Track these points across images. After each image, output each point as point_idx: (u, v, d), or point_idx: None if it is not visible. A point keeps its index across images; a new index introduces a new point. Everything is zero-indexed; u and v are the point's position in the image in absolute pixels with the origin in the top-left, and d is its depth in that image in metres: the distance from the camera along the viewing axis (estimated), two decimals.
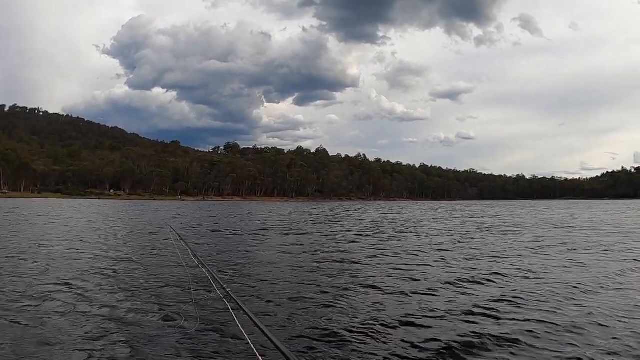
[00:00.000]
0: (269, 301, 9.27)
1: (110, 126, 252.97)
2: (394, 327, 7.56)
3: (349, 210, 70.68)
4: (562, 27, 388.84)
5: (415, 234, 26.43)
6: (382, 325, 7.65)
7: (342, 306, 8.93)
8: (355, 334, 7.16)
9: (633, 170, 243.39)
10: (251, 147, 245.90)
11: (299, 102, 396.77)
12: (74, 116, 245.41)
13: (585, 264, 14.31)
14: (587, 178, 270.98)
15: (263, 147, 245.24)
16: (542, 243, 20.86)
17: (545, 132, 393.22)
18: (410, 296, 9.85)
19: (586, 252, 17.41)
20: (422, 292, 10.29)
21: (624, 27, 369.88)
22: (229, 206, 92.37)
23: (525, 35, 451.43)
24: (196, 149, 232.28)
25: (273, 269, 13.33)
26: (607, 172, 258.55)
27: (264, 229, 29.73)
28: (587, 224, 35.01)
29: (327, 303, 9.13)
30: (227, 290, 4.36)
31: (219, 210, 64.88)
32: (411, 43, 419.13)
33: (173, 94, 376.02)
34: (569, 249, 18.37)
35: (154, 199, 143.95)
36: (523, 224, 34.89)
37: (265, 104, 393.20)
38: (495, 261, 15.08)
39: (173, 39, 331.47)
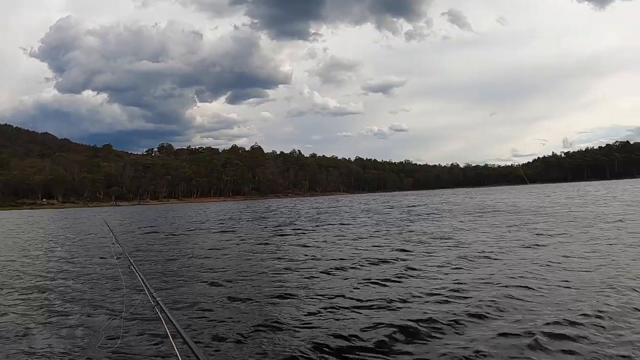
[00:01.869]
0: (200, 308, 9.20)
1: (39, 132, 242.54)
2: (326, 322, 7.84)
3: (285, 207, 72.68)
4: (491, 21, 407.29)
5: (355, 225, 28.29)
6: (316, 323, 7.86)
7: (277, 308, 9.03)
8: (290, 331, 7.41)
9: (563, 155, 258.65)
10: (185, 147, 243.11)
11: (232, 100, 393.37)
12: (1, 123, 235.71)
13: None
14: (519, 164, 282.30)
15: (197, 147, 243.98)
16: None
17: (477, 122, 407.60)
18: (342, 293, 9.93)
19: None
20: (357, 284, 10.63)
21: (550, 21, 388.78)
22: (164, 209, 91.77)
23: (454, 29, 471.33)
24: (129, 152, 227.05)
25: (205, 271, 13.50)
26: (539, 157, 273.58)
27: (197, 229, 30.84)
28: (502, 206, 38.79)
29: (259, 306, 9.24)
30: (157, 299, 4.16)
31: (154, 214, 65.03)
32: (343, 39, 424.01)
33: (104, 96, 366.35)
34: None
35: (88, 206, 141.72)
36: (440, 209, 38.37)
37: (198, 104, 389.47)
38: (406, 247, 16.61)
39: (102, 39, 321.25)
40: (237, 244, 21.04)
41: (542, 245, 15.11)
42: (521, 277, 10.40)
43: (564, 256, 12.90)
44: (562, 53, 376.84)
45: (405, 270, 12.02)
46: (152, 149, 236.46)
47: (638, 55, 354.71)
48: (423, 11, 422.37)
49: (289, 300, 9.64)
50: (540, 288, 9.32)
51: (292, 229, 27.78)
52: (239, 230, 29.22)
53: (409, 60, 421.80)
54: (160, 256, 17.43)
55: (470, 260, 12.96)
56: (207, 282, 11.86)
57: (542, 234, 18.22)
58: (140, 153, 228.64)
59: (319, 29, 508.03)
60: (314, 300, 9.51)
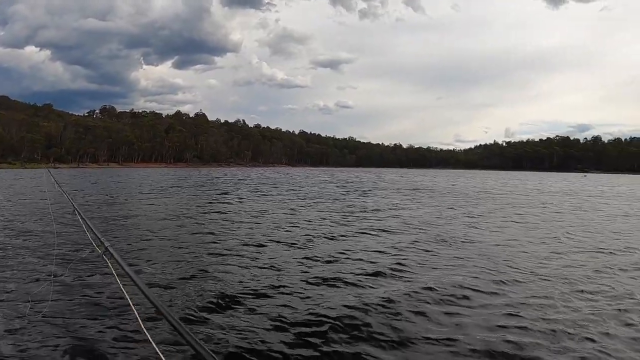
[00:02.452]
0: (149, 260, 10.04)
1: None
2: (264, 293, 8.11)
3: (226, 175, 74.76)
4: (445, 7, 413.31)
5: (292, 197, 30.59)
6: (255, 286, 8.44)
7: (217, 269, 9.68)
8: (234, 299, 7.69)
9: (504, 144, 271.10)
10: (128, 111, 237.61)
11: (179, 65, 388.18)
12: None
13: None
14: (461, 149, 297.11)
15: (141, 111, 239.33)
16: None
17: (423, 104, 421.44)
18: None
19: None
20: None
21: (504, 13, 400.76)
22: (104, 173, 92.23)
23: (408, 11, 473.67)
24: (71, 112, 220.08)
25: (150, 234, 14.06)
26: (481, 144, 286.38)
27: (137, 195, 31.46)
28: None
29: (205, 265, 10.00)
30: (106, 245, 3.77)
31: (94, 178, 64.59)
32: (296, 11, 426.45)
33: (47, 53, 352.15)
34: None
35: (26, 167, 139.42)
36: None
37: (144, 67, 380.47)
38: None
39: None
40: (178, 210, 21.80)
41: (469, 223, 17.93)
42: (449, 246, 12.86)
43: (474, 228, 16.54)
44: (513, 45, 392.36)
45: (334, 240, 13.51)
46: (94, 110, 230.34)
47: (585, 55, 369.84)
48: None
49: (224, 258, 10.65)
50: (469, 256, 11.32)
51: (234, 198, 29.37)
52: (180, 195, 30.56)
53: (360, 38, 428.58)
54: (106, 219, 17.65)
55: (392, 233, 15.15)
56: (148, 239, 12.78)
57: (473, 216, 20.86)
58: (82, 114, 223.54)
59: None
60: (246, 260, 10.55)
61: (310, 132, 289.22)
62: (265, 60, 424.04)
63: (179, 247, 12.27)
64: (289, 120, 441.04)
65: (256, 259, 10.91)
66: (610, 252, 12.58)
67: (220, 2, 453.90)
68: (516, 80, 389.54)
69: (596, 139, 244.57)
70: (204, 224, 17.19)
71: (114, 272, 3.52)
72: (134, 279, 2.93)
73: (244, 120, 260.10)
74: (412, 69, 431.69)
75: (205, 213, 20.94)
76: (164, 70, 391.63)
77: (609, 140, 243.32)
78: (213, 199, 28.72)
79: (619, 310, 7.57)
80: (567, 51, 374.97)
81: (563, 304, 7.81)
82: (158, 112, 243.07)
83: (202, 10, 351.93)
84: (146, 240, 13.18)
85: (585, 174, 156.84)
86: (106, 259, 3.70)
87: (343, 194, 34.10)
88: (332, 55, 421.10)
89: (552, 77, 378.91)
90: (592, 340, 6.26)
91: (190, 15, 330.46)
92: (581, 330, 6.63)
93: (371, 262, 10.58)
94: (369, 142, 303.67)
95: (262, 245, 12.60)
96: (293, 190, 38.41)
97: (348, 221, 18.28)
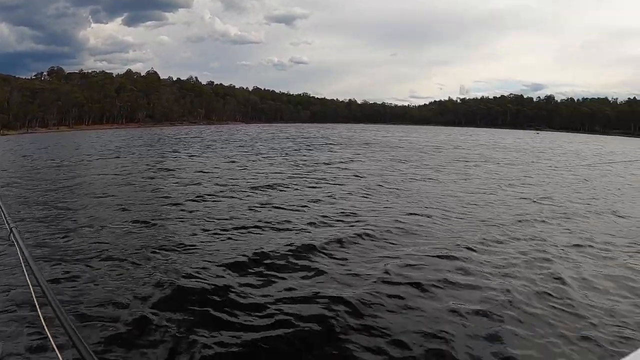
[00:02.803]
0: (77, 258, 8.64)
1: None
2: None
3: (179, 134, 75.28)
4: None
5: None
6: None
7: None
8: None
9: (458, 100, 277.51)
10: (77, 72, 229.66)
11: (129, 22, 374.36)
12: None
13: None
14: (415, 105, 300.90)
15: (90, 71, 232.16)
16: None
17: (378, 60, 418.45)
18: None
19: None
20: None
21: None
22: (53, 137, 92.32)
23: None
24: (17, 76, 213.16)
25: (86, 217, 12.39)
26: (435, 101, 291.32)
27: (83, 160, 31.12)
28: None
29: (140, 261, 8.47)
30: (12, 227, 3.26)
31: (41, 144, 61.83)
32: None
33: None
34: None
35: None
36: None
37: (92, 25, 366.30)
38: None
39: None
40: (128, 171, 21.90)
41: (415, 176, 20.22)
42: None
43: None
44: (469, 4, 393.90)
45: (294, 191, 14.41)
46: (42, 72, 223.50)
47: (540, 16, 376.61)
48: None
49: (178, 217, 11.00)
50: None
51: (184, 155, 30.43)
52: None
53: None
54: (41, 188, 17.49)
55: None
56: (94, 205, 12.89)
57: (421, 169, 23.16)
58: (29, 77, 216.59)
59: None
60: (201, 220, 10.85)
61: (265, 89, 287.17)
62: (218, 16, 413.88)
63: (125, 209, 12.91)
64: (243, 76, 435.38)
65: (202, 210, 12.08)
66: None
67: None
68: (471, 38, 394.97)
69: (549, 98, 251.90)
70: (151, 183, 17.80)
71: (20, 259, 2.97)
72: (33, 270, 2.66)
73: (196, 78, 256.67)
74: (367, 24, 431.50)
75: (153, 172, 21.45)
76: (113, 28, 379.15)
77: (561, 100, 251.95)
78: (162, 158, 29.59)
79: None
80: (522, 12, 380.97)
81: (478, 241, 9.47)
82: (108, 71, 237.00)
83: None
84: (91, 205, 13.52)
85: (538, 132, 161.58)
86: (14, 241, 3.23)
87: (295, 150, 35.20)
88: (287, 11, 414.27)
89: (507, 37, 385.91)
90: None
91: None
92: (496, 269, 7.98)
93: (316, 209, 11.99)
94: (324, 98, 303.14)
95: (209, 197, 13.76)
96: (243, 146, 39.52)
97: (296, 174, 19.69)
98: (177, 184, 17.09)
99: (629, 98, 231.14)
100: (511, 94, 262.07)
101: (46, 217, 11.34)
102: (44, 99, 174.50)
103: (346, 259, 8.12)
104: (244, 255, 8.13)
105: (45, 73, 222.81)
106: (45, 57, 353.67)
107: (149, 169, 23.23)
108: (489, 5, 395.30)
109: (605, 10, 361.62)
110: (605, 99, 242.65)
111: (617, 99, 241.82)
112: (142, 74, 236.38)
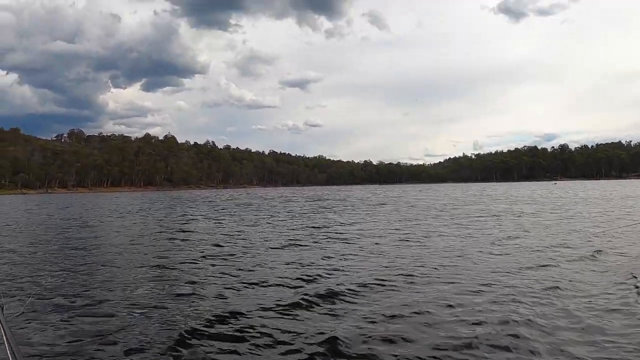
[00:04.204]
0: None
1: None
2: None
3: (197, 198, 75.04)
4: (409, 25, 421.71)
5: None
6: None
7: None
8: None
9: (473, 156, 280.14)
10: (97, 134, 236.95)
11: (147, 88, 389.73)
12: None
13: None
14: (431, 164, 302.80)
15: (109, 134, 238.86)
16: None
17: (391, 121, 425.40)
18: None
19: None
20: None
21: (467, 29, 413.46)
22: (72, 199, 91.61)
23: (374, 30, 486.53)
24: (38, 137, 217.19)
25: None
26: (450, 158, 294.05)
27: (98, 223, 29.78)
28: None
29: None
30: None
31: (61, 204, 62.47)
32: (263, 32, 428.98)
33: (14, 76, 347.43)
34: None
35: None
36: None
37: (112, 90, 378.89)
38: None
39: (17, 15, 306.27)
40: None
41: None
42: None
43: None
44: (477, 60, 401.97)
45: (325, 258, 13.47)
46: (62, 134, 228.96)
47: (548, 67, 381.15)
48: (344, 10, 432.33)
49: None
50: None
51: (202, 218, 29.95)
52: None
53: (327, 57, 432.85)
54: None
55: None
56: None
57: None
58: (50, 138, 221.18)
59: (239, 20, 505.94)
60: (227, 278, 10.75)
61: (280, 152, 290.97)
62: (233, 82, 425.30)
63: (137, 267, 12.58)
64: (259, 140, 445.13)
65: (225, 266, 11.99)
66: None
67: (187, 24, 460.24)
68: (482, 93, 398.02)
69: (563, 147, 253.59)
70: (167, 245, 17.46)
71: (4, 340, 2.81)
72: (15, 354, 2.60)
73: (213, 142, 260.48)
74: (379, 85, 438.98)
75: (170, 235, 20.92)
76: (132, 93, 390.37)
77: (575, 148, 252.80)
78: (180, 221, 29.13)
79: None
80: (530, 63, 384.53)
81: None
82: (127, 135, 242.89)
83: (170, 32, 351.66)
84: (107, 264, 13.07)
85: (555, 182, 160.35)
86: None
87: (309, 212, 35.17)
88: (300, 75, 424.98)
89: (516, 89, 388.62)
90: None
91: (158, 37, 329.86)
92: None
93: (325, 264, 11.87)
94: (339, 160, 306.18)
95: (230, 255, 13.75)
96: (259, 210, 39.49)
97: (308, 235, 19.49)
98: (194, 246, 16.72)
99: None
100: (525, 146, 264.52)
101: (50, 290, 9.87)
102: (64, 160, 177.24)
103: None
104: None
105: (65, 135, 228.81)
106: (66, 120, 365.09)
107: (165, 230, 23.06)
108: (496, 61, 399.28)
109: (609, 54, 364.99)
110: (619, 142, 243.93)
111: (630, 141, 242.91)
112: (160, 138, 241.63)
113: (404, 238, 17.32)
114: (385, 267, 11.70)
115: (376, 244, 16.24)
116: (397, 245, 15.68)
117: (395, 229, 20.77)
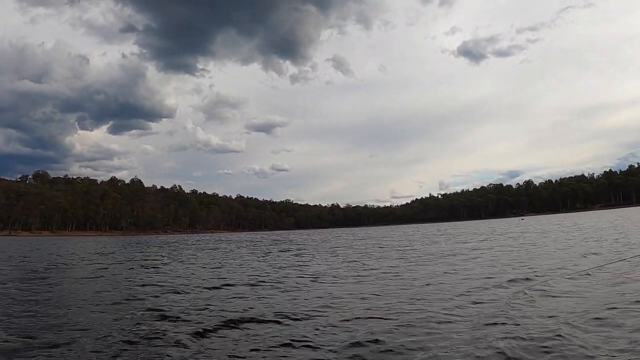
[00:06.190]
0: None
1: None
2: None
3: (162, 243, 74.99)
4: (372, 69, 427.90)
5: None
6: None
7: None
8: None
9: (439, 196, 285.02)
10: (62, 176, 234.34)
11: (114, 130, 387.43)
12: None
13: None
14: (398, 205, 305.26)
15: (75, 177, 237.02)
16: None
17: (357, 163, 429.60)
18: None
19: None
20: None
21: (429, 72, 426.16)
22: (34, 242, 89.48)
23: (338, 75, 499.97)
24: (2, 177, 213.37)
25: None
26: (417, 198, 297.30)
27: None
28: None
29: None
30: None
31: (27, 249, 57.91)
32: (229, 76, 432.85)
33: None
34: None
35: None
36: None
37: (79, 132, 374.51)
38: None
39: None
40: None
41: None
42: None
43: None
44: (439, 101, 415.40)
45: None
46: (27, 175, 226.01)
47: (508, 106, 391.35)
48: (309, 55, 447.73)
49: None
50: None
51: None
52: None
53: (292, 101, 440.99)
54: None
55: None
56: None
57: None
58: (14, 179, 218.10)
59: (206, 64, 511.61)
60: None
61: (247, 197, 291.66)
62: (200, 125, 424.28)
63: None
64: (226, 185, 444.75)
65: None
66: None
67: (155, 67, 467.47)
68: (445, 133, 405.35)
69: (528, 183, 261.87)
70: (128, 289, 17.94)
71: None
72: None
73: (180, 186, 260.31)
74: (344, 129, 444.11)
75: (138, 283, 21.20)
76: (99, 135, 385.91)
77: (540, 183, 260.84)
78: (147, 266, 29.63)
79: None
80: (492, 102, 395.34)
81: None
82: (93, 178, 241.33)
83: (138, 75, 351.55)
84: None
85: (522, 217, 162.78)
86: None
87: (274, 254, 35.91)
88: (266, 119, 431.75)
89: (479, 128, 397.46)
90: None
91: (125, 80, 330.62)
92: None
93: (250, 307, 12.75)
94: (307, 204, 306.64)
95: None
96: (229, 253, 40.17)
97: (270, 277, 20.54)
98: (161, 290, 17.60)
99: (605, 171, 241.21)
100: (490, 184, 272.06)
101: None
102: (28, 202, 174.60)
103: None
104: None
105: (30, 176, 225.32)
106: (31, 160, 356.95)
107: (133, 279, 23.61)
108: (458, 101, 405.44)
109: (567, 91, 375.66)
110: (582, 175, 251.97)
111: (593, 173, 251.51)
112: (127, 181, 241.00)
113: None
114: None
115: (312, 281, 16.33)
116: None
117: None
